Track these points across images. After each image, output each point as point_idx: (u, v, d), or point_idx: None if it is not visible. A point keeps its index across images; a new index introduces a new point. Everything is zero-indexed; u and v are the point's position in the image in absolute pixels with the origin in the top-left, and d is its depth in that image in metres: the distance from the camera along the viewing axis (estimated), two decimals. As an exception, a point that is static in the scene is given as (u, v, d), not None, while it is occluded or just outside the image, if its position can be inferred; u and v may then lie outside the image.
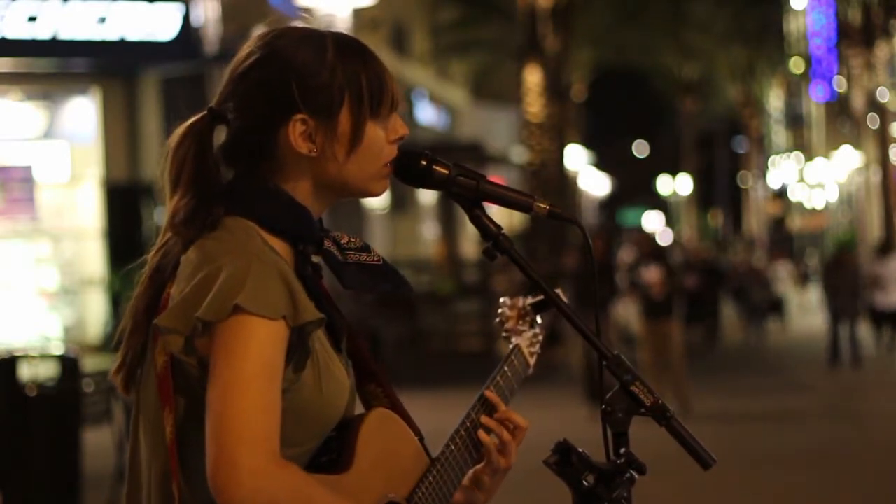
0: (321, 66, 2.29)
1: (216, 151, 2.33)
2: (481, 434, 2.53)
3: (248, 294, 2.14)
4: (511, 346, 2.73)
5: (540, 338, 2.78)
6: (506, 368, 2.65)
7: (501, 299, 2.79)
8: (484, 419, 2.53)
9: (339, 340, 2.37)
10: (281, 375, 2.17)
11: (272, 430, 2.12)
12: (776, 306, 30.45)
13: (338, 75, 2.29)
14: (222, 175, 2.33)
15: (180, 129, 2.33)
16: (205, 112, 2.34)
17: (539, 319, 2.77)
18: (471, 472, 2.54)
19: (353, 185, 2.34)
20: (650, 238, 16.94)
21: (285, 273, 2.21)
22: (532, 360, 2.75)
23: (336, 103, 2.29)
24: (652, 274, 14.94)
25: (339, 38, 2.35)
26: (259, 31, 2.39)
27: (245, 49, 2.35)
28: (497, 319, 2.78)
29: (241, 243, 2.22)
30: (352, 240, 2.40)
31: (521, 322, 2.76)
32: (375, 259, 2.40)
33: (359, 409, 2.42)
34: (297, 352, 2.21)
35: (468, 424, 2.53)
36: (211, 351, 2.15)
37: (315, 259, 2.36)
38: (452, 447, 2.49)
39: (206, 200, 2.27)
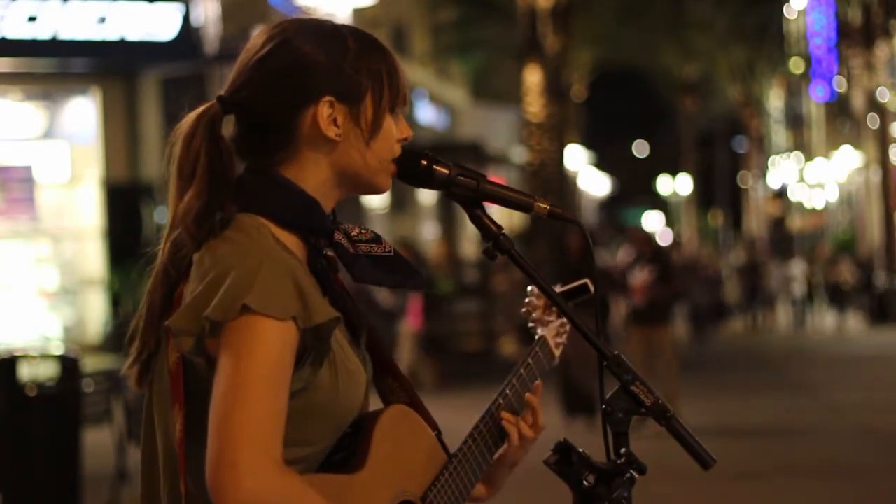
0: (345, 53, 2.30)
1: (228, 143, 2.31)
2: (511, 429, 2.51)
3: (256, 294, 2.13)
4: (537, 337, 2.71)
5: (567, 327, 2.75)
6: (529, 360, 2.64)
7: (529, 288, 2.75)
8: (504, 415, 2.52)
9: (357, 335, 2.36)
10: (289, 377, 2.15)
11: (275, 434, 2.11)
12: (721, 311, 29.29)
13: (362, 63, 2.30)
14: (235, 168, 2.30)
15: (190, 119, 2.30)
16: (213, 101, 2.31)
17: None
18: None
19: (367, 174, 2.33)
20: (648, 236, 15.75)
21: (297, 273, 2.20)
22: (557, 352, 2.74)
23: (363, 89, 2.29)
24: (638, 277, 13.98)
25: (354, 29, 2.36)
26: (260, 28, 2.39)
27: (258, 38, 2.33)
28: (524, 309, 2.77)
29: (252, 242, 2.21)
30: (362, 231, 2.37)
31: (547, 311, 2.75)
32: (387, 250, 2.38)
33: (376, 403, 2.40)
34: (314, 352, 2.20)
35: (488, 420, 2.52)
36: (219, 351, 2.14)
37: (329, 253, 2.34)
38: (471, 443, 2.48)
39: (218, 198, 2.25)
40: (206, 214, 2.24)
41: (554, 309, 2.74)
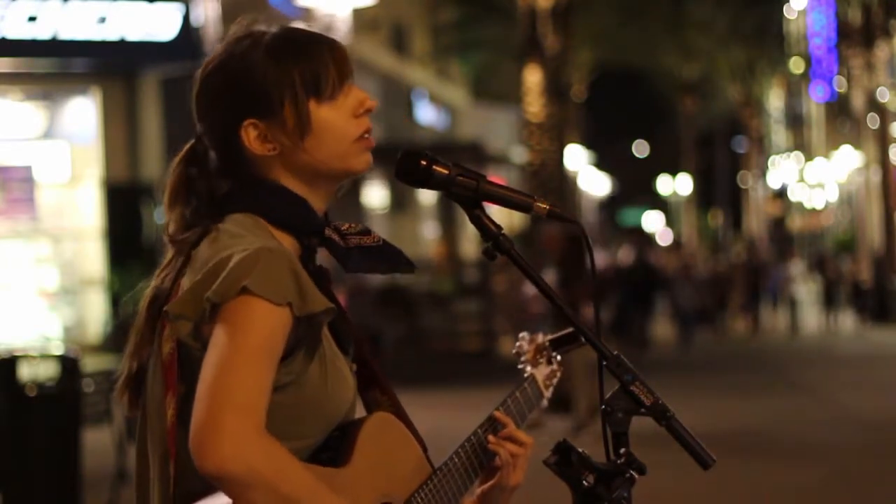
0: (253, 69, 2.32)
1: (210, 166, 2.38)
2: (498, 448, 2.52)
3: (255, 277, 2.16)
4: (525, 375, 2.74)
5: (558, 375, 2.78)
6: (517, 394, 2.66)
7: (521, 334, 2.81)
8: (490, 438, 2.53)
9: (345, 344, 2.38)
10: (277, 360, 2.17)
11: (260, 404, 2.13)
12: (707, 315, 28.71)
13: (269, 75, 2.32)
14: (218, 188, 2.36)
15: (174, 160, 2.40)
16: (193, 141, 2.40)
17: (558, 357, 2.78)
18: (479, 490, 2.54)
19: (327, 168, 2.35)
20: (557, 236, 13.85)
21: (294, 264, 2.23)
22: (547, 393, 2.76)
23: (276, 101, 2.31)
24: (529, 287, 13.04)
25: (272, 36, 2.36)
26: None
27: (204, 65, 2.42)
28: (514, 351, 2.80)
29: (250, 234, 2.25)
30: (351, 225, 2.41)
31: (538, 356, 2.79)
32: (376, 240, 2.42)
33: (362, 414, 2.41)
34: (306, 343, 2.22)
35: (473, 441, 2.53)
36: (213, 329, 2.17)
37: (322, 266, 2.38)
38: (456, 460, 2.49)
39: (197, 209, 2.32)
40: (187, 224, 2.33)
41: (545, 354, 2.79)
